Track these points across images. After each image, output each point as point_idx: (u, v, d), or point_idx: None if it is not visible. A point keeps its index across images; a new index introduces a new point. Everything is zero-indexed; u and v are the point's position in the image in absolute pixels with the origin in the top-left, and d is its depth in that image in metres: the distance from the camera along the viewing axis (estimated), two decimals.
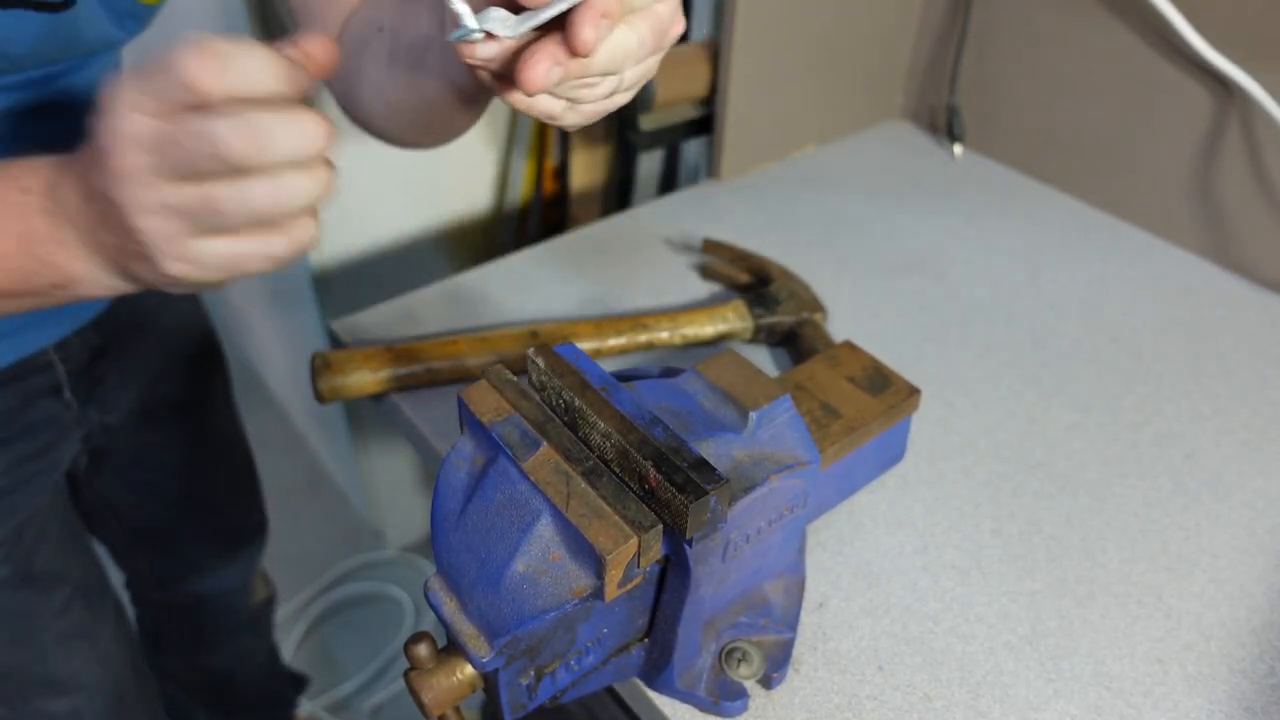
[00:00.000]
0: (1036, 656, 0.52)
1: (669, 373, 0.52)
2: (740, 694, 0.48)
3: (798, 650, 0.52)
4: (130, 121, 0.35)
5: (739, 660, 0.49)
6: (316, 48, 0.37)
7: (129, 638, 0.88)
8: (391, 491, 1.51)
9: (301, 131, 0.35)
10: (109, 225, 0.38)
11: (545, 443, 0.43)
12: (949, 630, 0.53)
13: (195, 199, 0.36)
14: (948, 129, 1.01)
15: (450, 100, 0.54)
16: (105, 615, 0.82)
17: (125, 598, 1.07)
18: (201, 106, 0.34)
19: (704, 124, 0.96)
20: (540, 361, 0.45)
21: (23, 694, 0.75)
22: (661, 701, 0.49)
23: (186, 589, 1.02)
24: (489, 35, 0.39)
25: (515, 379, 0.46)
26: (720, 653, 0.49)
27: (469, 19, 0.38)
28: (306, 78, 0.36)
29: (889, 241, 0.87)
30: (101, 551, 0.98)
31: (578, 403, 0.43)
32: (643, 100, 0.91)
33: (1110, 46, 0.86)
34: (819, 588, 0.55)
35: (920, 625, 0.54)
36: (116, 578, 1.05)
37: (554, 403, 0.45)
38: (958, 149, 1.00)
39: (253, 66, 0.34)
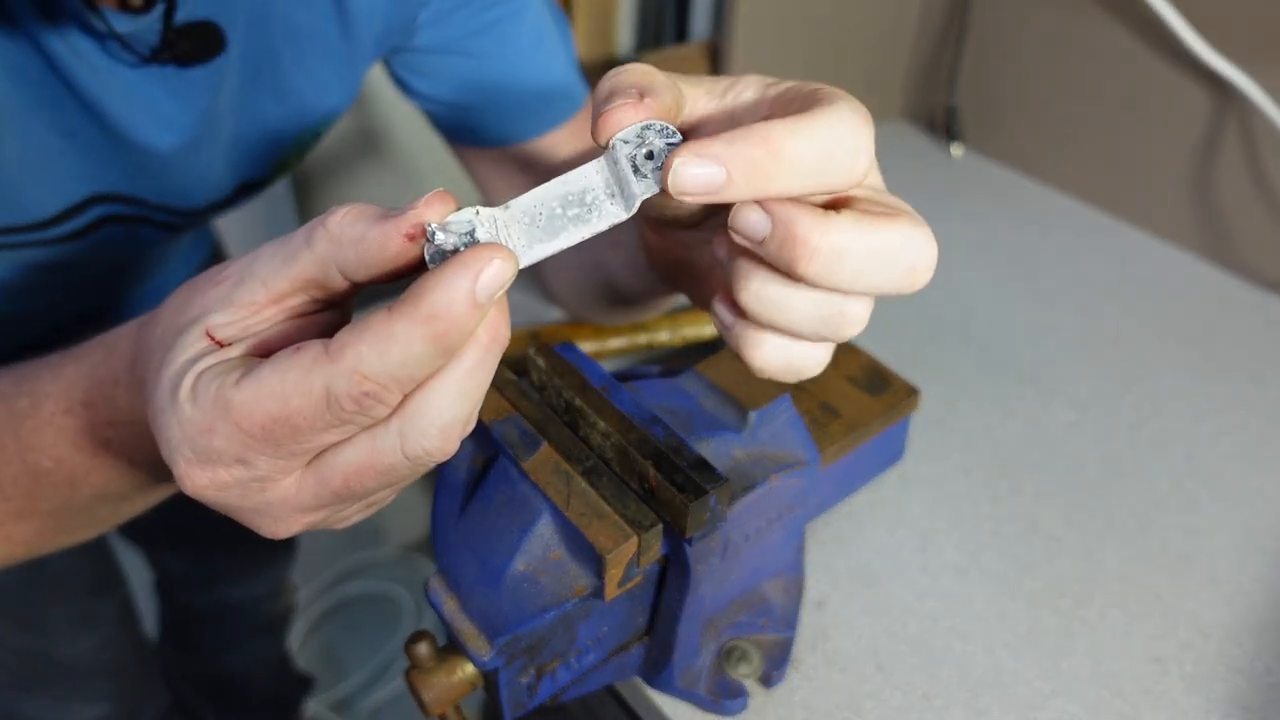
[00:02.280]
0: (1035, 655, 0.52)
1: (669, 373, 0.52)
2: (740, 693, 0.48)
3: (797, 649, 0.52)
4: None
5: (739, 659, 0.49)
6: (431, 210, 0.28)
7: (134, 630, 0.89)
8: None
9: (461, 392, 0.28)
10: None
11: (545, 442, 0.43)
12: (948, 629, 0.54)
13: (335, 496, 0.30)
14: (946, 129, 1.01)
15: (631, 288, 0.52)
16: (110, 608, 0.83)
17: (153, 596, 1.08)
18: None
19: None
20: (541, 361, 0.45)
21: (29, 668, 0.78)
22: (661, 700, 0.49)
23: (217, 594, 1.03)
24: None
25: (515, 379, 0.46)
26: (720, 651, 0.49)
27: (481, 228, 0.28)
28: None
29: None
30: (133, 552, 0.99)
31: (578, 402, 0.43)
32: None
33: (1109, 47, 0.86)
34: (819, 587, 0.56)
35: (919, 624, 0.54)
36: (147, 577, 1.06)
37: (554, 402, 0.45)
38: (957, 149, 1.00)
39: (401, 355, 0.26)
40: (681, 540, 0.41)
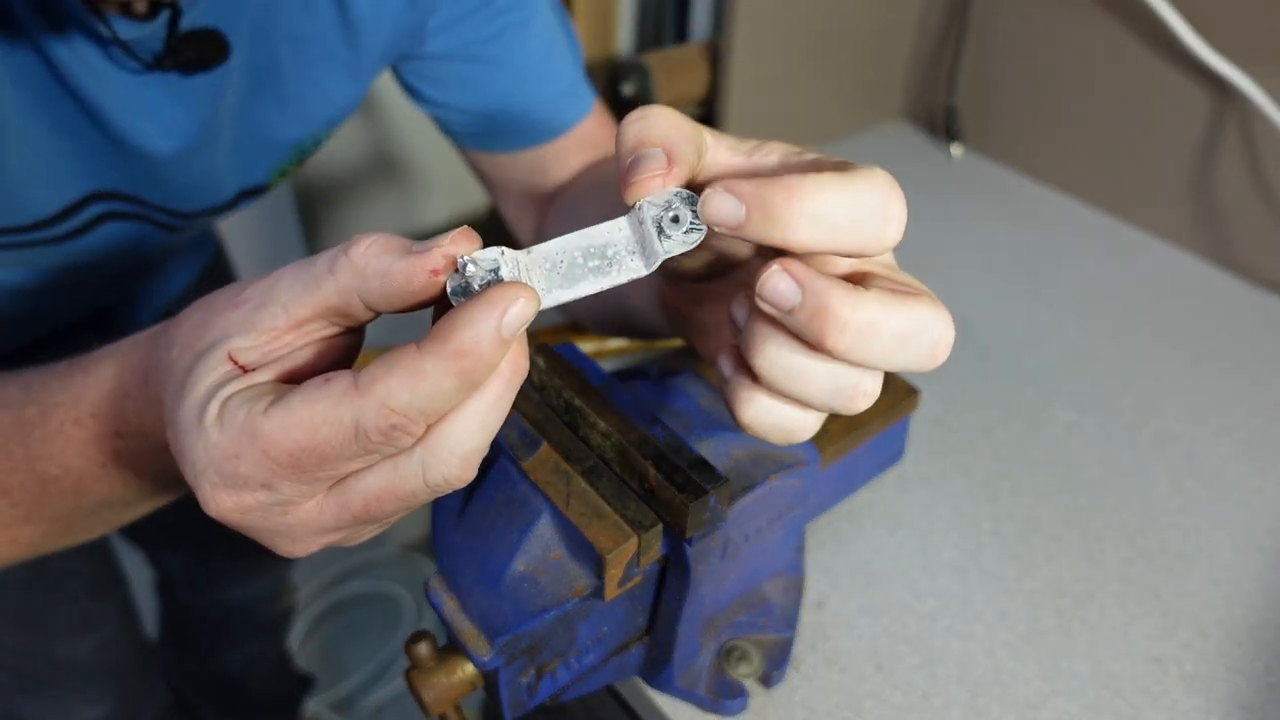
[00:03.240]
0: (1035, 655, 0.52)
1: (669, 373, 0.52)
2: (740, 692, 0.48)
3: (797, 649, 0.52)
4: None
5: (739, 659, 0.49)
6: (457, 247, 0.29)
7: (134, 630, 0.89)
8: None
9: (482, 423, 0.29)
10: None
11: (545, 442, 0.43)
12: (948, 629, 0.54)
13: (355, 519, 0.30)
14: (946, 129, 1.01)
15: (647, 328, 0.52)
16: (110, 608, 0.83)
17: (153, 596, 1.08)
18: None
19: (704, 124, 0.96)
20: (540, 361, 0.45)
21: (30, 668, 0.78)
22: (661, 700, 0.49)
23: (217, 595, 1.03)
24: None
25: None
26: (720, 651, 0.49)
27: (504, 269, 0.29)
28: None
29: None
30: (133, 552, 0.99)
31: (578, 402, 0.43)
32: (643, 102, 0.91)
33: (1109, 47, 0.86)
34: (818, 587, 0.56)
35: (919, 624, 0.54)
36: (147, 577, 1.06)
37: (554, 402, 0.45)
38: (956, 149, 1.00)
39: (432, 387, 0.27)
40: (681, 540, 0.41)
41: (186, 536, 0.97)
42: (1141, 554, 0.59)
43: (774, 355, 0.30)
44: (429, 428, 0.28)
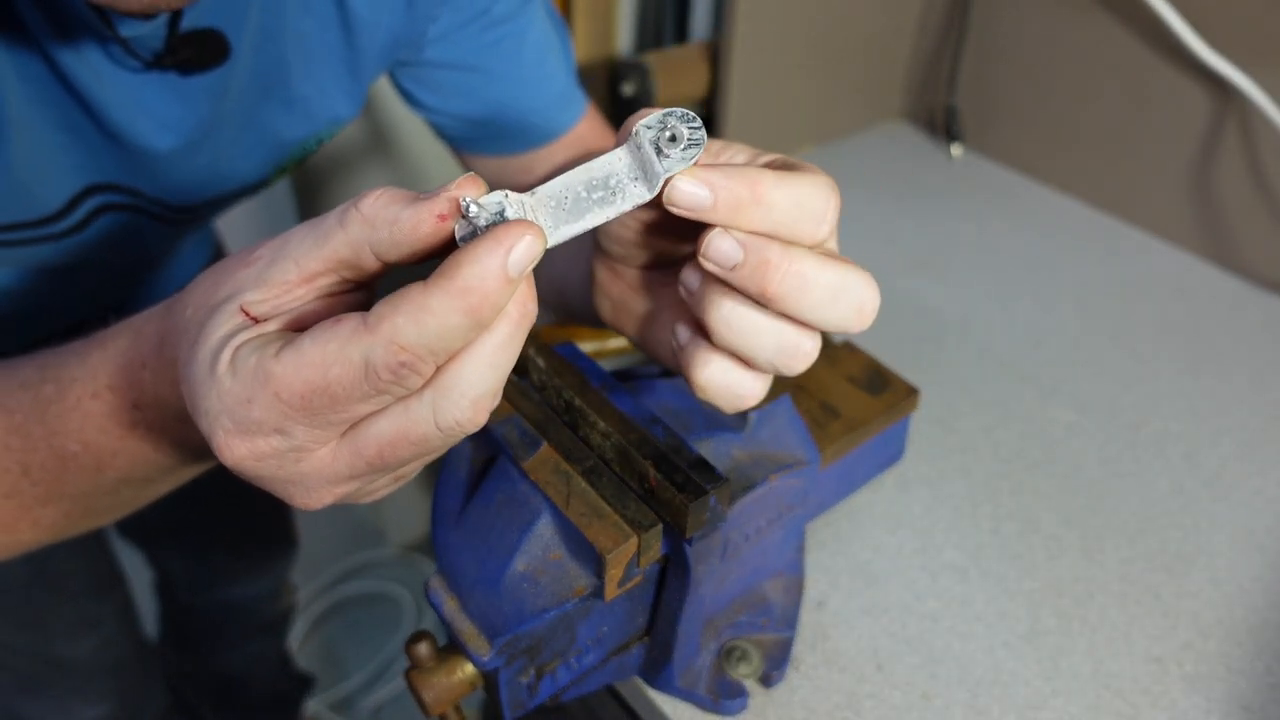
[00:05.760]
0: (1035, 655, 0.52)
1: (669, 373, 0.52)
2: (740, 692, 0.48)
3: (797, 649, 0.52)
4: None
5: (739, 659, 0.49)
6: (463, 192, 0.29)
7: (134, 630, 0.89)
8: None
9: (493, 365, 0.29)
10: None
11: (545, 442, 0.43)
12: (948, 629, 0.54)
13: (369, 466, 0.30)
14: (946, 129, 1.01)
15: (578, 295, 0.52)
16: (110, 608, 0.84)
17: (153, 596, 1.08)
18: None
19: (704, 124, 0.96)
20: (540, 361, 0.45)
21: (31, 668, 0.78)
22: (661, 700, 0.49)
23: (217, 594, 1.04)
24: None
25: (515, 379, 0.46)
26: (720, 651, 0.49)
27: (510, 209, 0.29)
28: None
29: (887, 242, 0.87)
30: (133, 552, 0.99)
31: (578, 402, 0.43)
32: (643, 102, 0.91)
33: (1109, 47, 0.86)
34: (818, 587, 0.56)
35: (919, 624, 0.54)
36: (147, 577, 1.06)
37: (554, 402, 0.45)
38: (956, 149, 1.00)
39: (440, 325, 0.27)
40: (681, 540, 0.41)
41: (187, 536, 0.97)
42: (1141, 554, 0.59)
43: (727, 312, 0.33)
44: (439, 369, 0.28)
